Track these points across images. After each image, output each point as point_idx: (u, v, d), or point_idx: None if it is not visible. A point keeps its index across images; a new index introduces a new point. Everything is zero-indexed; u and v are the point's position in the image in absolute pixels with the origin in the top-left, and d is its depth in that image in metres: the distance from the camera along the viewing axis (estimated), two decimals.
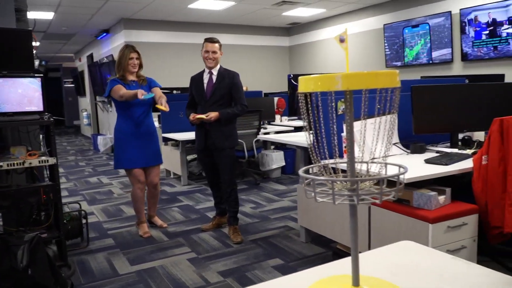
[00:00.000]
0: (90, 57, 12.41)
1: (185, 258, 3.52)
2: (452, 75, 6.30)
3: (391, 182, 1.13)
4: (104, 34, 10.22)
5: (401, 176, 1.06)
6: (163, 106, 3.82)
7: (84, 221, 3.88)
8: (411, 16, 7.45)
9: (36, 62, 3.96)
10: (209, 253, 3.61)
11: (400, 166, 1.14)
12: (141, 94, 3.64)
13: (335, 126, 3.12)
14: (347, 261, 1.29)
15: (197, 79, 3.96)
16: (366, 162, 1.17)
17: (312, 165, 1.20)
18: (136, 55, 3.97)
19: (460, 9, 6.51)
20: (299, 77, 1.08)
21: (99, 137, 10.61)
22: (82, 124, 15.43)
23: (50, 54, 14.96)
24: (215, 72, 3.86)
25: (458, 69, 6.79)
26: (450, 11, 6.71)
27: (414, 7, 7.41)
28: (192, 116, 3.81)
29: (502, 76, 4.81)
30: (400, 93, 1.09)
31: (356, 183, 1.03)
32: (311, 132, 1.15)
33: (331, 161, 1.21)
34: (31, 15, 4.41)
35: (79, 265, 3.46)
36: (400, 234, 2.59)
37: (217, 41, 3.84)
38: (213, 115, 3.74)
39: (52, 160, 3.16)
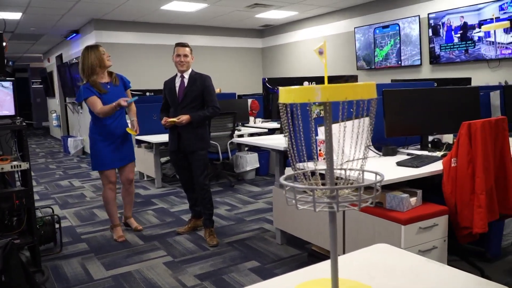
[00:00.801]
0: (60, 57, 12.17)
1: (161, 261, 3.51)
2: (422, 79, 6.45)
3: (368, 187, 1.18)
4: (74, 34, 10.05)
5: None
6: (134, 129, 3.99)
7: (57, 225, 3.82)
8: (381, 20, 7.60)
9: None
10: (185, 256, 3.61)
11: (376, 173, 1.19)
12: (124, 101, 3.70)
13: (314, 135, 3.17)
14: (324, 265, 1.33)
15: (169, 83, 4.02)
16: (344, 169, 1.22)
17: (292, 173, 1.23)
18: (104, 49, 3.95)
19: (428, 14, 6.68)
20: (280, 88, 1.11)
21: (69, 139, 10.42)
22: (51, 126, 15.11)
23: (18, 55, 14.60)
24: (186, 75, 3.93)
25: (426, 72, 6.97)
26: (419, 15, 6.88)
27: (385, 11, 7.56)
28: (164, 120, 3.85)
29: (469, 80, 4.97)
30: (376, 102, 1.14)
31: (336, 191, 1.07)
32: (292, 139, 1.18)
33: (311, 166, 1.24)
34: None
35: (53, 270, 3.41)
36: (374, 236, 2.66)
37: (188, 45, 3.94)
38: (184, 118, 3.77)
39: (24, 165, 3.11)
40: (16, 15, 8.01)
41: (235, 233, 4.15)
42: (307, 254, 3.49)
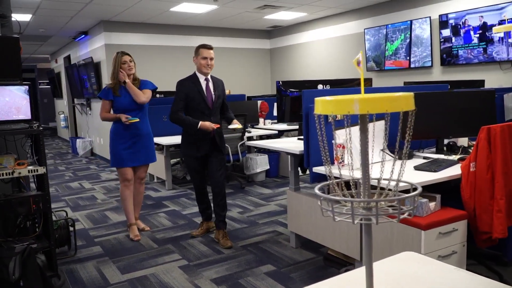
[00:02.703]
0: (67, 58, 12.20)
1: (176, 265, 3.51)
2: (434, 81, 6.42)
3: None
4: (83, 36, 10.07)
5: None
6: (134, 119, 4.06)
7: (71, 229, 3.83)
8: (391, 21, 7.56)
9: None
10: (200, 260, 3.60)
11: (412, 185, 1.18)
12: (124, 117, 3.95)
13: (350, 139, 3.16)
14: (355, 273, 1.34)
15: (191, 85, 3.83)
16: (378, 179, 1.21)
17: (326, 182, 1.23)
18: (129, 58, 4.08)
19: (439, 15, 6.64)
20: (316, 99, 1.11)
21: (78, 140, 10.45)
22: (58, 127, 15.16)
23: (25, 55, 14.64)
24: (210, 79, 3.91)
25: (437, 73, 6.93)
26: (430, 17, 6.84)
27: (395, 12, 7.53)
28: (215, 125, 3.78)
29: (482, 82, 4.94)
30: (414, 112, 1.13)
31: (376, 204, 1.06)
32: (325, 148, 1.18)
33: (346, 174, 1.24)
34: None
35: (69, 274, 3.41)
36: (392, 241, 2.65)
37: (212, 48, 3.91)
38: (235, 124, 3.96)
39: (41, 170, 3.12)
40: (26, 17, 8.05)
41: (248, 236, 4.15)
42: (322, 258, 3.47)
